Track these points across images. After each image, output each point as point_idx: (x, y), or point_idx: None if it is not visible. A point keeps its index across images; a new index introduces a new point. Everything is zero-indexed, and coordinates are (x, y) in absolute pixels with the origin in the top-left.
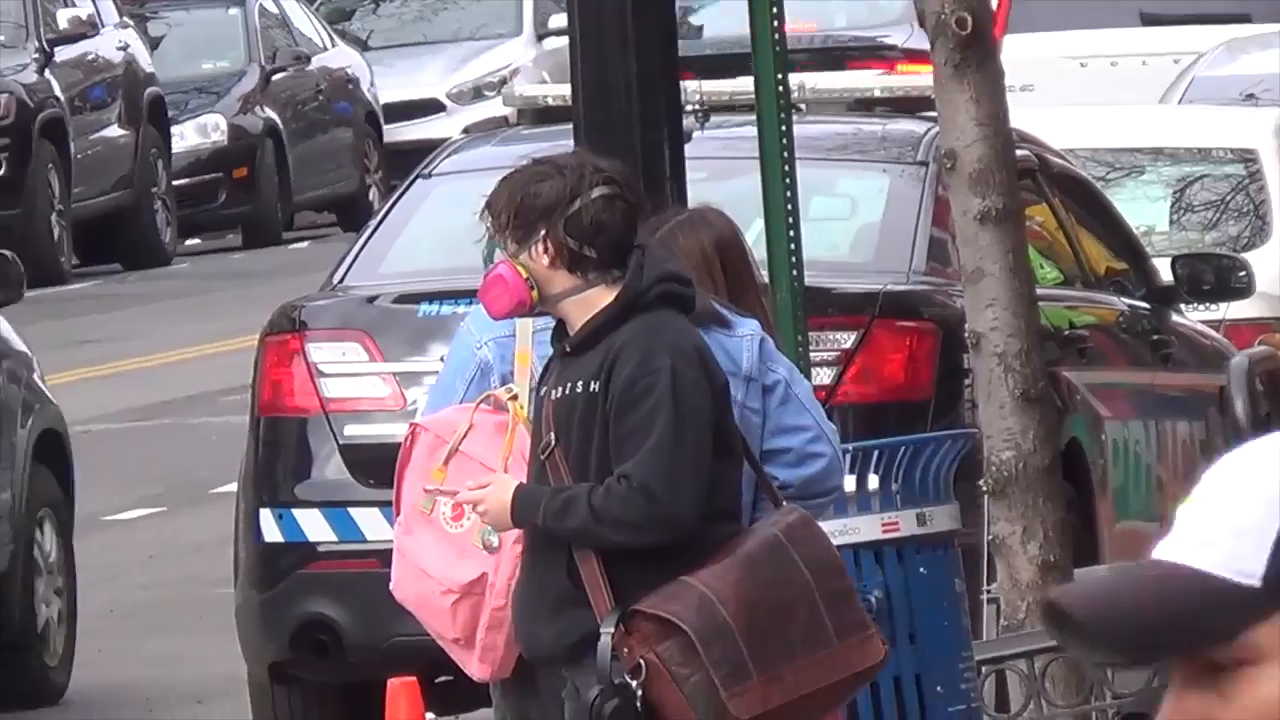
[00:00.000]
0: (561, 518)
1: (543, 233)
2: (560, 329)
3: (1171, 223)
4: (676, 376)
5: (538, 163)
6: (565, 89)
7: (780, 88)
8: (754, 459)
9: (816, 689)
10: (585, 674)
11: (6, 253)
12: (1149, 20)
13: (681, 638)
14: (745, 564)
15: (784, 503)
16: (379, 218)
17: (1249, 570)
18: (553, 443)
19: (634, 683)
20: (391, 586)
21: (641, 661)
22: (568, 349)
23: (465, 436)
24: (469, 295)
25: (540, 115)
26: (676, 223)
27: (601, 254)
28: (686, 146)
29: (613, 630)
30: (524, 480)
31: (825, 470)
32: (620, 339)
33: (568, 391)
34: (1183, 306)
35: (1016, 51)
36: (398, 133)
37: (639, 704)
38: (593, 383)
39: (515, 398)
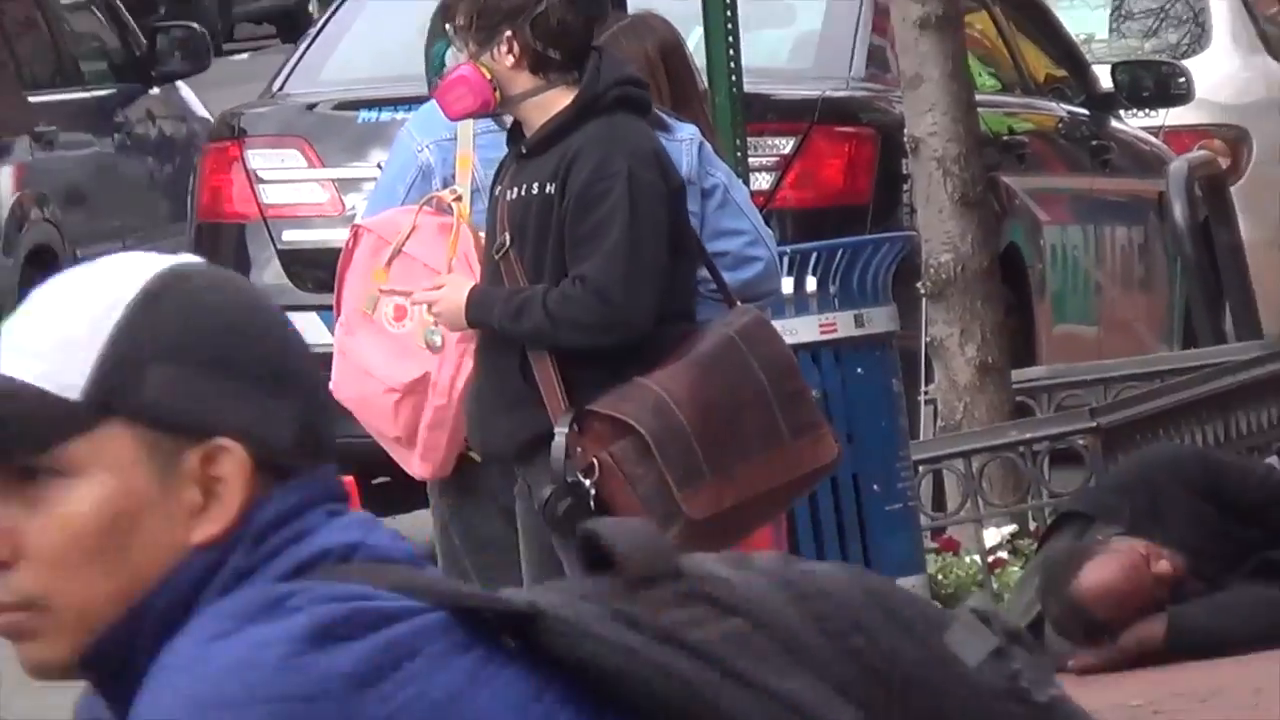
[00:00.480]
0: (516, 319)
1: (507, 33)
2: (516, 130)
3: (1111, 30)
4: (633, 179)
5: None
6: None
7: None
8: (710, 261)
9: (770, 488)
10: (538, 473)
11: (194, 25)
12: None
13: (636, 438)
14: (700, 364)
15: (737, 303)
16: (318, 27)
17: (71, 384)
18: (507, 243)
19: (587, 482)
20: (331, 386)
21: (595, 461)
22: (524, 150)
23: (409, 237)
24: (408, 102)
25: None
26: (619, 27)
27: (564, 55)
28: None
29: (567, 430)
30: (474, 280)
31: (762, 273)
32: (577, 141)
33: (524, 192)
34: (1122, 113)
35: None
36: None
37: (592, 503)
38: (549, 184)
39: (459, 199)
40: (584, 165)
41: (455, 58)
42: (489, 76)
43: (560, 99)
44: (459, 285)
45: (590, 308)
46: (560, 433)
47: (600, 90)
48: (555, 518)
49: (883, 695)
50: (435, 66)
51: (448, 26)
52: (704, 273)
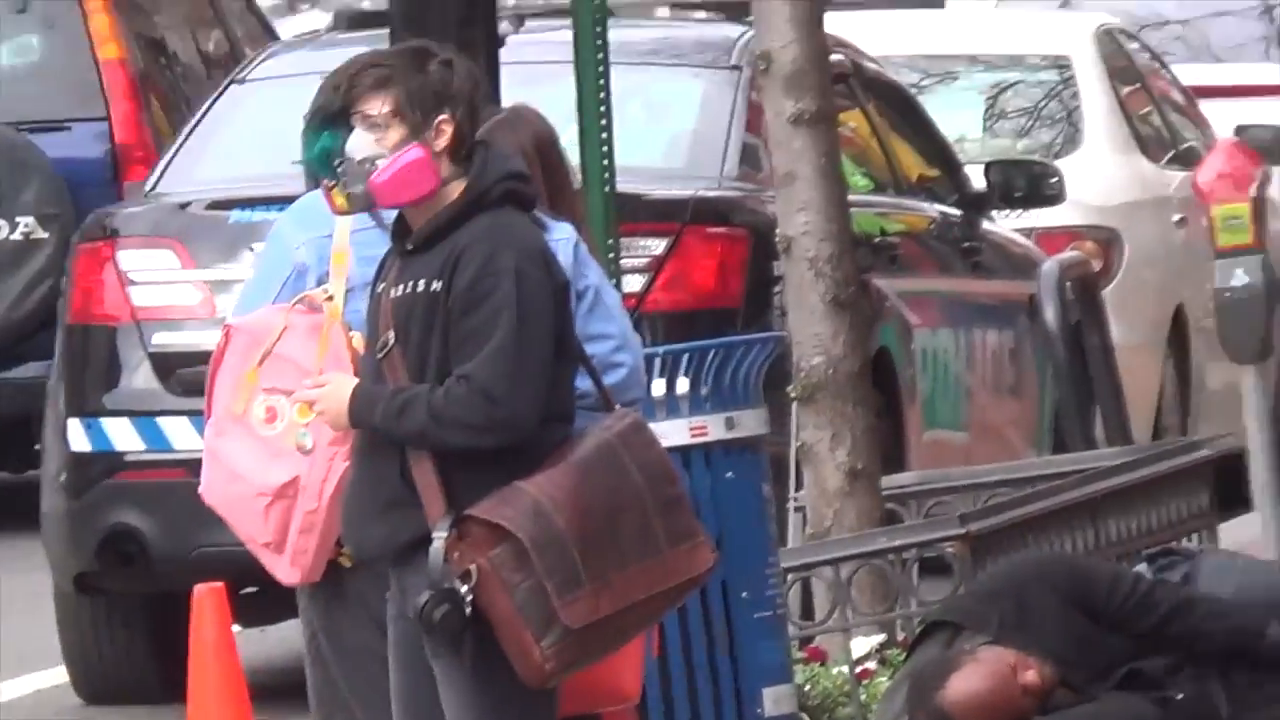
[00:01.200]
0: (399, 419)
1: (442, 118)
2: (400, 226)
3: (984, 130)
4: (520, 277)
5: (406, 48)
6: None
7: None
8: (589, 363)
9: (647, 595)
10: (414, 577)
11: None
12: None
13: (514, 544)
14: (579, 469)
15: (616, 406)
16: (192, 124)
17: None
18: (390, 341)
19: (464, 588)
20: (201, 490)
21: (473, 567)
22: (409, 246)
23: (280, 337)
24: (282, 201)
25: (355, 21)
26: (496, 120)
27: (468, 147)
28: (501, 51)
29: (445, 534)
30: (356, 380)
31: (625, 380)
32: (464, 237)
33: (408, 290)
34: (994, 213)
35: None
36: None
37: (468, 609)
38: (435, 281)
39: (331, 298)
40: (470, 262)
41: (360, 143)
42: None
43: (448, 193)
44: (342, 384)
45: (475, 407)
46: (439, 537)
47: (488, 185)
48: (431, 624)
49: None
50: (318, 159)
51: (354, 116)
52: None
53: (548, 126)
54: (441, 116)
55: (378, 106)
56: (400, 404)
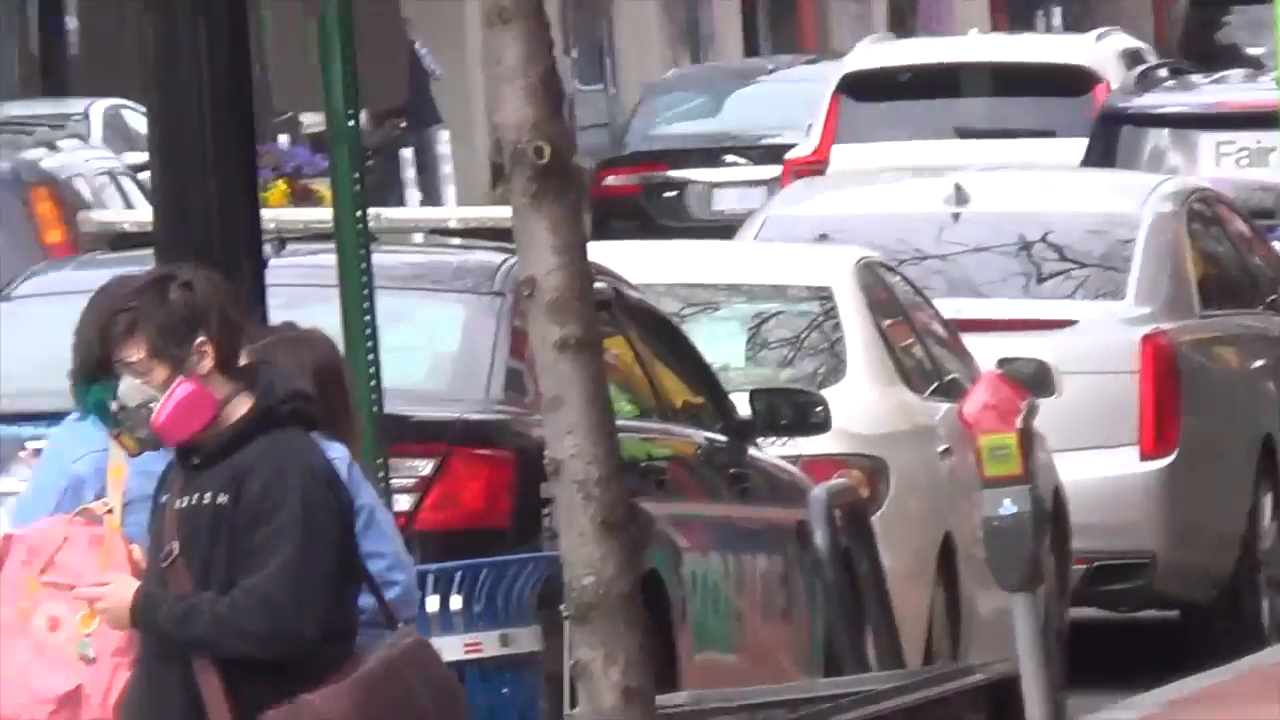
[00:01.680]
0: (183, 623)
1: (200, 340)
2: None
3: (747, 359)
4: (305, 495)
5: (148, 279)
6: (140, 214)
7: (359, 215)
8: (372, 580)
9: None
10: None
11: None
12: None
13: None
14: (365, 685)
15: (400, 623)
16: None
17: None
18: (175, 551)
19: None
20: None
21: None
22: (196, 461)
23: (60, 548)
24: (47, 417)
25: (116, 241)
26: (279, 339)
27: (236, 354)
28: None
29: None
30: (139, 582)
31: (400, 598)
32: (251, 454)
33: (194, 502)
34: (760, 441)
35: (845, 160)
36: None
37: None
38: (220, 495)
39: (110, 511)
40: (258, 479)
41: (130, 391)
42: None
43: (235, 410)
44: (125, 584)
45: (260, 618)
46: None
47: (273, 404)
48: None
49: None
50: (96, 411)
51: (118, 368)
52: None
53: (332, 351)
54: (198, 340)
55: (135, 353)
56: (185, 609)
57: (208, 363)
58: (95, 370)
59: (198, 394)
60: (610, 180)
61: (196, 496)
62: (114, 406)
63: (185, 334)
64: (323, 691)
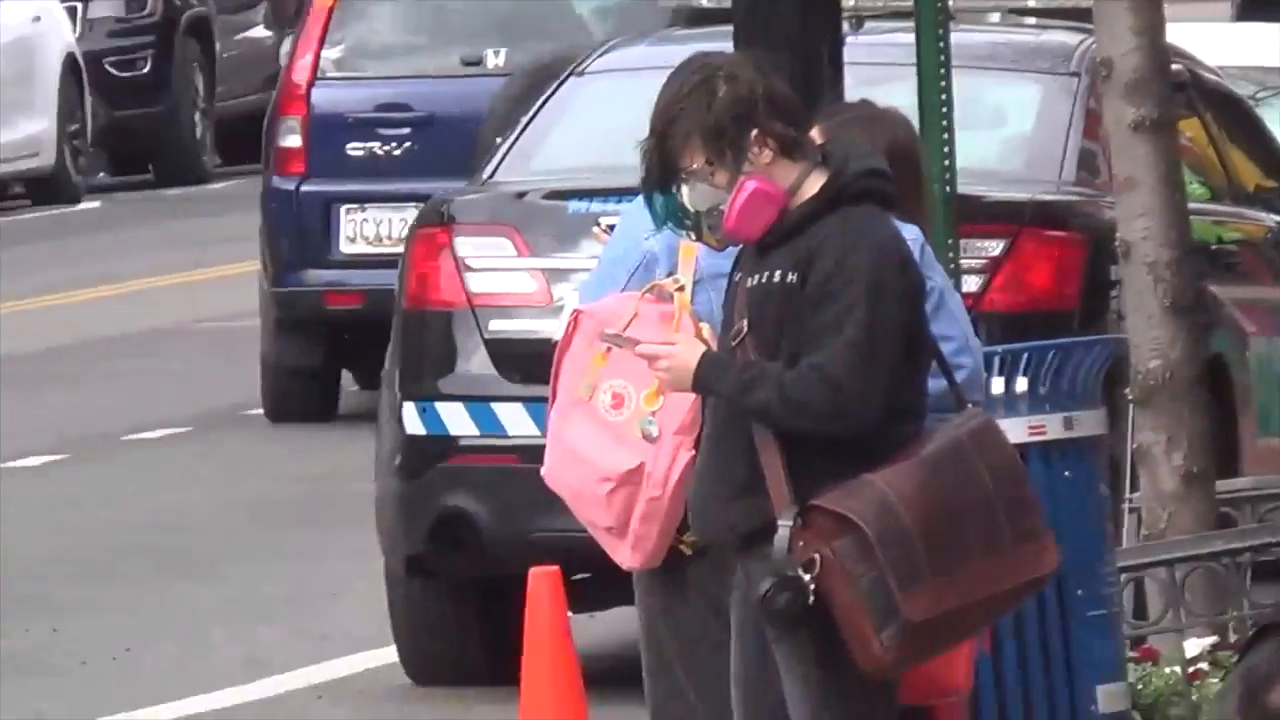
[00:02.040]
0: (748, 390)
1: (754, 133)
2: None
3: None
4: (875, 273)
5: (691, 84)
6: None
7: None
8: (944, 362)
9: (989, 594)
10: (759, 564)
11: None
12: None
13: (859, 535)
14: (927, 466)
15: (968, 405)
16: (530, 115)
17: None
18: (745, 330)
19: (807, 577)
20: (544, 472)
21: (816, 556)
22: (767, 239)
23: (629, 324)
24: (619, 193)
25: (694, 17)
26: (855, 116)
27: (800, 131)
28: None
29: (790, 523)
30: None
31: (966, 383)
32: (823, 232)
33: (764, 280)
34: None
35: None
36: None
37: (810, 598)
38: (791, 274)
39: (681, 288)
40: (828, 256)
41: (698, 196)
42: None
43: (808, 189)
44: (692, 346)
45: (823, 395)
46: (784, 526)
47: (848, 180)
48: (773, 611)
49: None
50: (670, 221)
51: (682, 176)
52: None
53: (908, 132)
54: (753, 134)
55: (694, 159)
56: (751, 377)
57: (768, 154)
58: (662, 181)
59: (762, 191)
60: None
61: (767, 275)
62: (686, 216)
63: (738, 131)
64: (884, 471)
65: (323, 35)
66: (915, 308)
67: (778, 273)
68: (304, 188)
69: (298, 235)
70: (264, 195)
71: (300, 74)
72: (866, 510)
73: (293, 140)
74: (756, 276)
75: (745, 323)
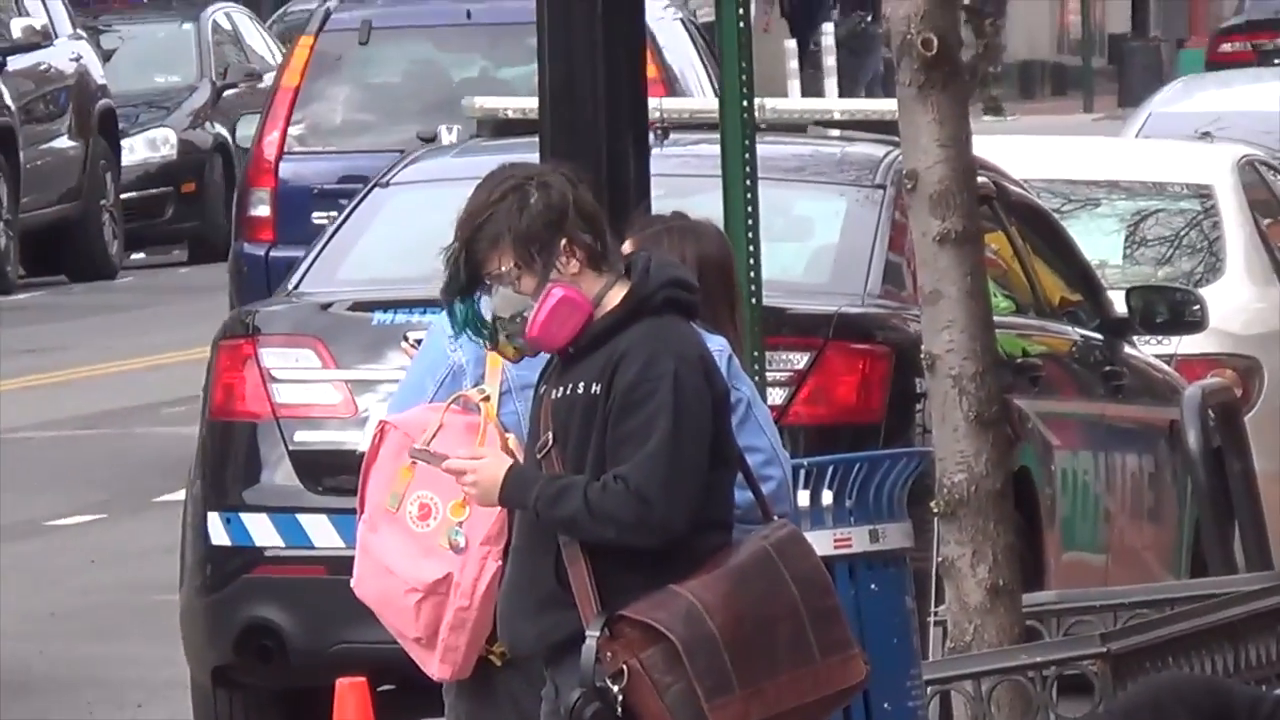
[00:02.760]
0: (554, 504)
1: (564, 241)
2: None
3: (1125, 256)
4: (679, 383)
5: (501, 190)
6: (523, 102)
7: (745, 106)
8: (750, 473)
9: (797, 705)
10: (566, 675)
11: None
12: None
13: (666, 646)
14: (734, 576)
15: (774, 516)
16: (335, 226)
17: None
18: (550, 442)
19: (615, 688)
20: (353, 584)
21: (624, 667)
22: (571, 350)
23: (435, 435)
24: (423, 304)
25: (499, 128)
26: (666, 228)
27: (605, 245)
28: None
29: (598, 634)
30: (511, 460)
31: (774, 494)
32: (625, 342)
33: (568, 392)
34: (1135, 339)
35: None
36: None
37: (619, 709)
38: (594, 385)
39: (487, 398)
40: (630, 365)
41: (501, 302)
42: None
43: (611, 299)
44: (498, 460)
45: (629, 507)
46: (591, 636)
47: (650, 291)
48: None
49: None
50: (470, 328)
51: (487, 281)
52: None
53: (719, 244)
54: (562, 244)
55: (501, 264)
56: (557, 490)
57: (575, 264)
58: (466, 286)
59: (569, 299)
60: (1224, 48)
61: (571, 386)
62: (488, 318)
63: (549, 237)
64: (691, 582)
65: (288, 114)
66: (720, 416)
67: (581, 384)
68: (273, 253)
69: (267, 297)
70: (233, 261)
71: (269, 149)
72: (674, 621)
73: (262, 210)
74: (561, 388)
75: (550, 435)
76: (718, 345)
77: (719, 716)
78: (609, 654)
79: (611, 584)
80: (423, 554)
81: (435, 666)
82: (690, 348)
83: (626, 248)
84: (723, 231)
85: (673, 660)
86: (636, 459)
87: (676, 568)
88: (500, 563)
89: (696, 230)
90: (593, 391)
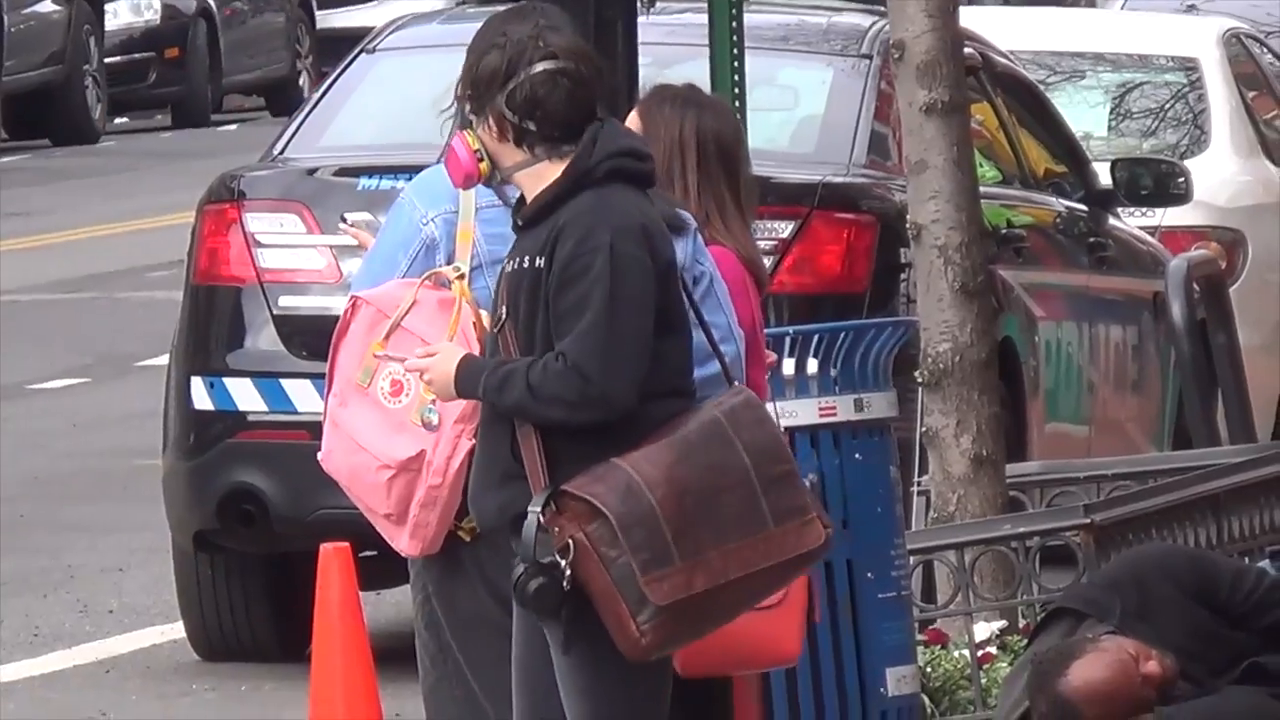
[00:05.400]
0: (500, 391)
1: (489, 107)
2: (519, 202)
3: (1110, 128)
4: (615, 254)
5: (496, 31)
6: None
7: None
8: (710, 334)
9: (749, 572)
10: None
11: None
12: None
13: (606, 520)
14: (678, 447)
15: (735, 382)
16: (321, 91)
17: None
18: (503, 316)
19: (562, 562)
20: (320, 457)
21: (570, 541)
22: (519, 223)
23: (408, 312)
24: (409, 170)
25: None
26: (668, 96)
27: (543, 128)
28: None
29: (539, 509)
30: (467, 351)
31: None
32: (565, 215)
33: (518, 265)
34: (1120, 211)
35: None
36: (330, 19)
37: (565, 583)
38: (538, 258)
39: (462, 276)
40: (568, 238)
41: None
42: (476, 147)
43: (552, 171)
44: (450, 354)
45: (569, 383)
46: (533, 511)
47: (591, 164)
48: (526, 596)
49: None
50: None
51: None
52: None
53: (724, 124)
54: (489, 106)
55: (457, 90)
56: (501, 376)
57: (494, 131)
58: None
59: (452, 151)
60: None
61: (518, 260)
62: None
63: (483, 93)
64: (634, 454)
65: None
66: (665, 286)
67: (527, 258)
68: None
69: None
70: None
71: None
72: (610, 495)
73: None
74: (513, 261)
75: (504, 309)
76: (687, 219)
77: (656, 590)
78: (557, 528)
79: (560, 458)
80: (394, 430)
81: (405, 542)
82: (629, 218)
83: (631, 117)
84: (732, 110)
85: (614, 534)
86: (574, 333)
87: (625, 439)
88: (473, 442)
89: (700, 102)
90: (536, 265)
